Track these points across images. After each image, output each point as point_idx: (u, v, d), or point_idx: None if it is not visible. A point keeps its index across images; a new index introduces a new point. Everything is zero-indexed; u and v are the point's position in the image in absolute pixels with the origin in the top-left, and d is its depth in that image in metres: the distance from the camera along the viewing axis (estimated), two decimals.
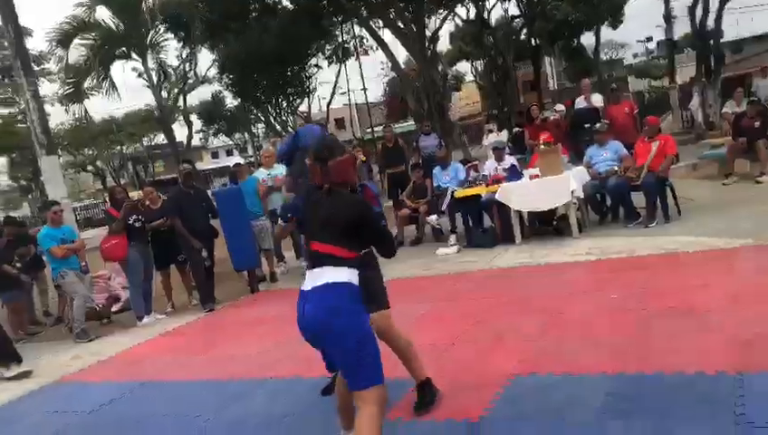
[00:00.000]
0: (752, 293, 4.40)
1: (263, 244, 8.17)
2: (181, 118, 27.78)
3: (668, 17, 20.73)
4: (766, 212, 6.29)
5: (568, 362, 3.77)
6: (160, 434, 3.96)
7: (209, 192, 9.25)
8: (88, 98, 19.63)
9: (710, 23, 18.09)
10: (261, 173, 8.75)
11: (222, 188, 10.70)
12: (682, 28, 22.94)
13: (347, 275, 2.67)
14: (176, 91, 26.03)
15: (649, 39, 43.55)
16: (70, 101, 18.72)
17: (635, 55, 49.93)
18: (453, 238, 8.18)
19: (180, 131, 31.09)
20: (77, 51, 17.52)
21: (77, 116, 20.34)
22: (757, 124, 8.76)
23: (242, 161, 9.28)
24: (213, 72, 25.09)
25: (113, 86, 18.26)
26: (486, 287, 6.08)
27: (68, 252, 6.93)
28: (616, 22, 30.28)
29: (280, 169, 8.75)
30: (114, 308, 8.05)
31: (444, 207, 8.29)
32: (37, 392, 5.29)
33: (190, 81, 26.17)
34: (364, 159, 12.14)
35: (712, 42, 18.22)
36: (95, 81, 18.03)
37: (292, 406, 3.92)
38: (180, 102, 26.77)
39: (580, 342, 4.09)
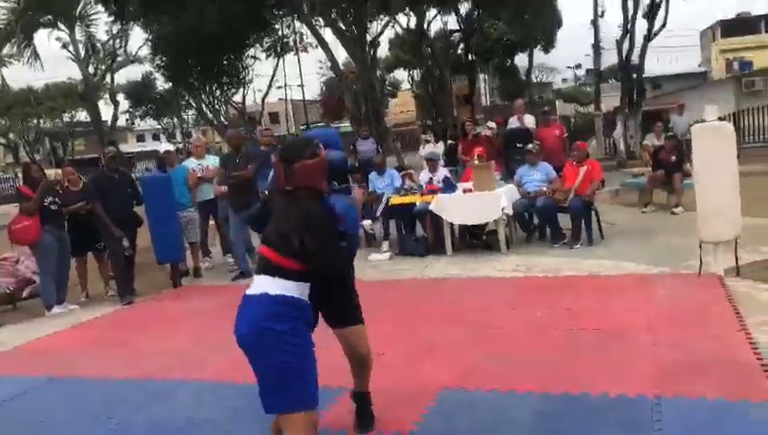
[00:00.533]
0: (668, 318, 4.63)
1: (189, 237, 7.90)
2: (107, 96, 26.58)
3: (597, 47, 21.69)
4: (681, 242, 6.62)
5: (496, 378, 3.83)
6: None
7: (134, 177, 8.86)
8: (5, 66, 18.43)
9: (634, 57, 19.11)
10: (191, 162, 8.45)
11: (150, 175, 10.27)
12: (609, 59, 24.06)
13: (289, 287, 2.50)
14: (103, 67, 24.94)
15: (578, 66, 45.42)
16: None
17: (564, 80, 51.89)
18: (386, 245, 8.19)
19: (105, 110, 29.73)
20: None
21: None
22: (673, 158, 9.25)
23: (172, 148, 8.95)
24: (145, 51, 24.19)
25: (36, 56, 17.13)
26: (418, 297, 6.11)
27: None
28: (548, 46, 31.47)
29: (211, 160, 8.53)
30: (24, 293, 7.54)
31: (378, 212, 8.29)
32: None
33: (120, 58, 25.15)
34: None
35: (635, 75, 19.21)
36: (15, 48, 16.84)
37: (216, 411, 3.78)
38: (107, 80, 25.67)
39: (508, 358, 4.17)
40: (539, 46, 31.58)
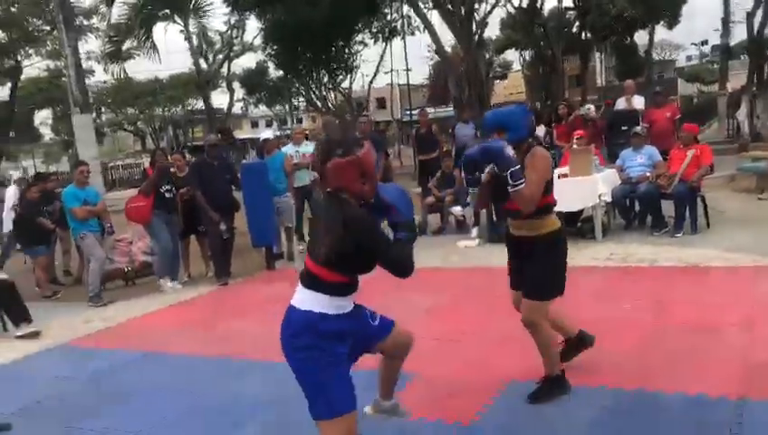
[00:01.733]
0: None
1: (284, 221, 8.18)
2: (224, 84, 27.93)
3: (726, 21, 20.06)
4: None
5: (568, 371, 3.66)
6: (152, 407, 3.95)
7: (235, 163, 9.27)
8: (133, 58, 19.82)
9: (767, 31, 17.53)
10: (289, 148, 8.71)
11: (247, 162, 10.72)
12: (740, 34, 22.11)
13: (321, 302, 2.42)
14: (220, 57, 26.20)
15: (704, 42, 42.12)
16: (110, 60, 18.87)
17: (688, 58, 48.37)
18: (475, 231, 8.09)
19: (222, 98, 31.29)
20: (121, 10, 17.59)
21: (116, 76, 20.56)
22: None
23: (270, 136, 9.22)
24: (259, 40, 25.15)
25: (155, 48, 18.27)
26: (500, 284, 5.88)
27: (88, 214, 6.96)
28: (672, 22, 29.39)
29: (308, 147, 8.74)
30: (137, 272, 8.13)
31: (469, 198, 8.18)
32: (41, 354, 5.35)
33: (236, 48, 26.31)
34: None
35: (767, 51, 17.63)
36: (137, 41, 18.04)
37: (286, 391, 3.89)
38: (225, 69, 26.99)
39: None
40: (662, 22, 29.61)
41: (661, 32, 32.33)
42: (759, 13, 17.78)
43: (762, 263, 5.47)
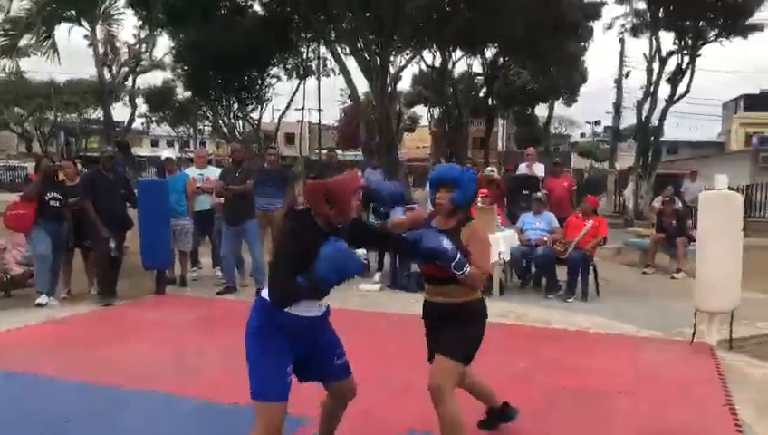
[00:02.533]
0: (652, 385, 4.44)
1: (181, 245, 7.80)
2: (126, 98, 26.76)
3: (618, 107, 21.78)
4: (677, 308, 6.45)
5: (465, 426, 3.64)
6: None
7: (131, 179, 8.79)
8: (28, 56, 18.41)
9: (654, 120, 19.17)
10: (192, 171, 8.41)
11: (146, 179, 10.21)
12: (629, 119, 24.14)
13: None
14: (126, 69, 25.17)
15: (597, 122, 45.52)
16: (2, 55, 17.40)
17: (582, 134, 52.06)
18: (378, 276, 8.07)
19: (124, 111, 29.98)
20: (21, 4, 16.31)
21: (8, 71, 19.01)
22: (674, 223, 9.19)
23: (172, 156, 8.89)
24: (169, 58, 24.43)
25: (54, 49, 17.02)
26: (400, 332, 5.90)
27: None
28: (570, 100, 31.60)
29: (212, 171, 8.45)
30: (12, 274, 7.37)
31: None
32: None
33: (144, 62, 25.39)
34: None
35: (653, 138, 19.23)
36: (35, 39, 16.72)
37: (168, 427, 3.61)
38: (129, 82, 25.94)
39: (481, 407, 3.98)
40: (561, 99, 31.74)
41: (560, 107, 34.63)
42: (647, 103, 19.43)
43: (645, 334, 5.79)
